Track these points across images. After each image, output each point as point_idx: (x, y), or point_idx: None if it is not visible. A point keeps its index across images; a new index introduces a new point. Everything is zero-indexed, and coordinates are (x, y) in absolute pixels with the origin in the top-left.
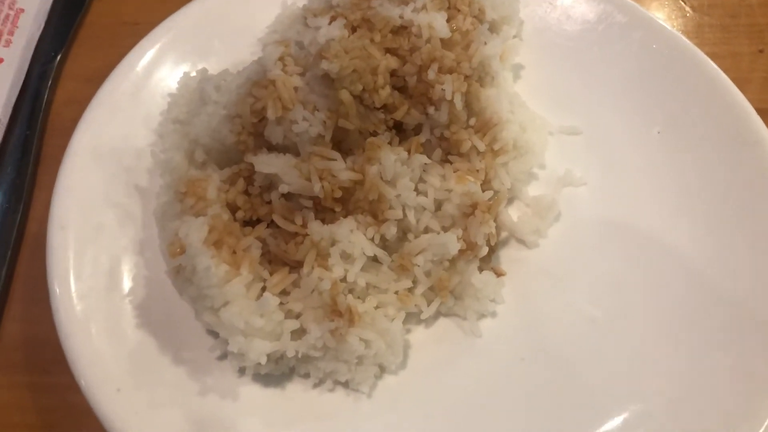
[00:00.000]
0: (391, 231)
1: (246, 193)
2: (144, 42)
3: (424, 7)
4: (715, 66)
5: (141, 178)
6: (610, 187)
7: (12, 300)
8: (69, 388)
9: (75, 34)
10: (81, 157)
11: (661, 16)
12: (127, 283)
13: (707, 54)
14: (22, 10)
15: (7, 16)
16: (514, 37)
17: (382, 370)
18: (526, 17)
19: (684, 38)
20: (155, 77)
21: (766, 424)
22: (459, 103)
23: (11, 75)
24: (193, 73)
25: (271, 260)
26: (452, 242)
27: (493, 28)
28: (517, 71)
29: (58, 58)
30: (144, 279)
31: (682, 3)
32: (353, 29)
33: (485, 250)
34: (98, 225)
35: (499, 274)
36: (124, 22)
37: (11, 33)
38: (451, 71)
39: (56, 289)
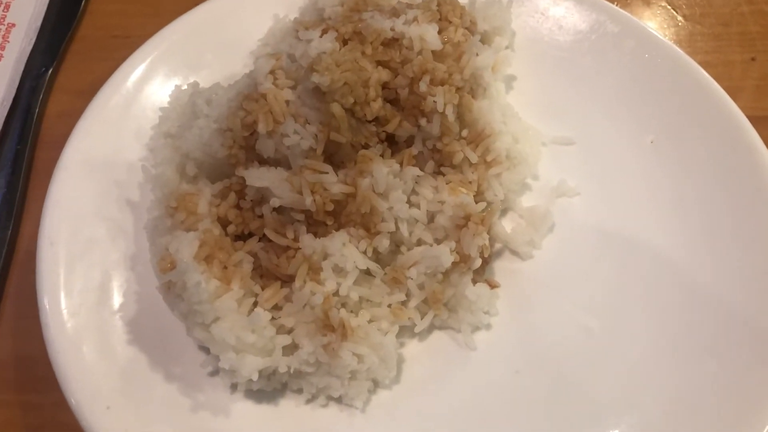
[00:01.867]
0: (384, 244)
1: (237, 207)
2: (135, 56)
3: (415, 19)
4: (707, 75)
5: (132, 193)
6: (604, 196)
7: (2, 317)
8: (59, 406)
9: (66, 48)
10: (71, 171)
11: (654, 26)
12: (117, 299)
13: (700, 62)
14: (13, 25)
15: None
16: (506, 48)
17: (376, 384)
18: (517, 28)
19: (676, 47)
20: (146, 91)
21: None
22: (451, 115)
23: (2, 89)
24: (185, 87)
25: (263, 275)
26: (445, 255)
27: (485, 40)
28: (509, 82)
29: (50, 71)
30: (135, 294)
31: (674, 12)
32: (344, 42)
33: (479, 262)
34: (89, 240)
35: (493, 286)
36: (115, 35)
37: (2, 47)
38: (442, 83)
39: (46, 305)
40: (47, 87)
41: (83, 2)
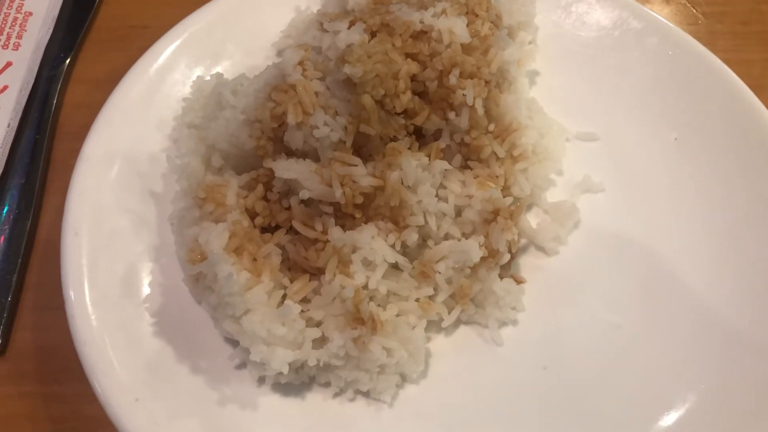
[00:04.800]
0: (413, 237)
1: (265, 198)
2: (156, 45)
3: (443, 12)
4: (731, 72)
5: (155, 184)
6: (628, 193)
7: (22, 308)
8: (82, 397)
9: (84, 38)
10: (94, 161)
11: (673, 23)
12: (142, 290)
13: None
14: (30, 14)
15: (15, 19)
16: (530, 43)
17: (404, 379)
18: (540, 23)
19: (699, 44)
20: (168, 81)
21: None
22: (480, 109)
23: (20, 78)
24: (207, 77)
25: (291, 267)
26: (474, 249)
27: (510, 34)
28: (532, 77)
29: (67, 61)
30: (160, 286)
31: (694, 10)
32: (373, 34)
33: (507, 257)
34: (112, 231)
35: (519, 281)
36: (132, 25)
37: (20, 36)
38: (471, 76)
39: (71, 296)
40: (65, 76)
41: None
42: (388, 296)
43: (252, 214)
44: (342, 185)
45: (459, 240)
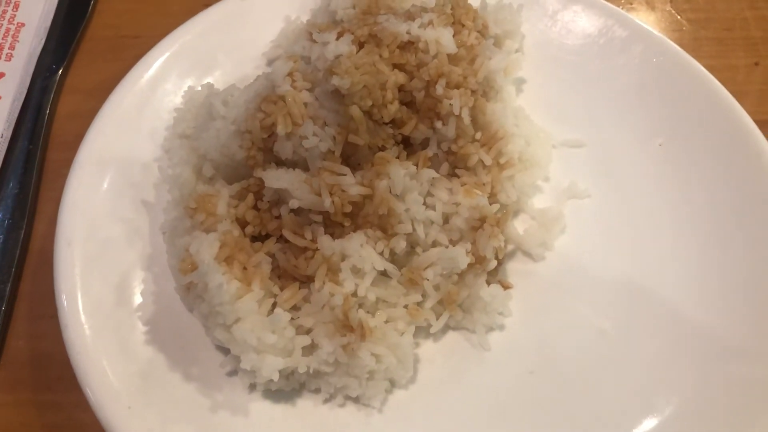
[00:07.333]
0: (401, 245)
1: (255, 208)
2: (148, 56)
3: (430, 23)
4: (714, 79)
5: (147, 193)
6: (614, 198)
7: (16, 317)
8: (75, 405)
9: (76, 48)
10: (87, 171)
11: (658, 30)
12: (135, 299)
13: (704, 67)
14: (23, 24)
15: (8, 30)
16: (516, 51)
17: (393, 384)
18: (527, 32)
19: (683, 51)
20: (160, 91)
21: None
22: (466, 118)
23: (13, 89)
24: (198, 88)
25: (281, 275)
26: (462, 256)
27: (496, 43)
28: (519, 85)
29: (60, 71)
30: (152, 295)
31: (679, 17)
32: (360, 45)
33: (494, 264)
34: (105, 240)
35: (506, 287)
36: (124, 35)
37: (12, 47)
38: (458, 86)
39: (64, 305)
40: (57, 87)
41: (92, 1)
42: (376, 303)
43: (242, 224)
44: (331, 194)
45: (446, 247)
